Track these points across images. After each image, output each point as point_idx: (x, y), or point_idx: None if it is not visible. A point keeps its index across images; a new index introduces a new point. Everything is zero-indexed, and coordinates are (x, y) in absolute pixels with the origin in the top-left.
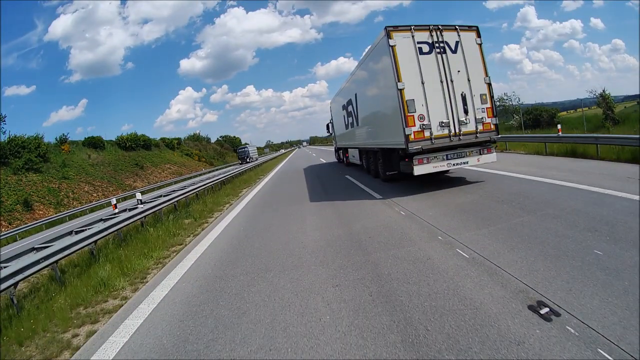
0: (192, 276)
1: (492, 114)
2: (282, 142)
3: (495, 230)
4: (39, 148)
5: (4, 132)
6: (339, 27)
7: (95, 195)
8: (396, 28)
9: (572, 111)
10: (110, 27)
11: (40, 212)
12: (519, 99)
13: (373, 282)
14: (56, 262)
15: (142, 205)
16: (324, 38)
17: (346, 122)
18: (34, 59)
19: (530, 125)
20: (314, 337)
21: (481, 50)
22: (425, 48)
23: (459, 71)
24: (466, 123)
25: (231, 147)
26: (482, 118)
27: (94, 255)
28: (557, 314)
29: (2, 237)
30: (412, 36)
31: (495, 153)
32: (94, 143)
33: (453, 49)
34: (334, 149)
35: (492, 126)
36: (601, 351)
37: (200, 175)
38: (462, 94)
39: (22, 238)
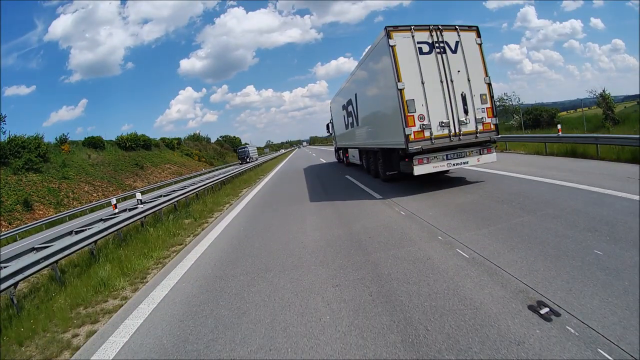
0: (192, 276)
1: (492, 114)
2: (282, 142)
3: (495, 230)
4: (39, 148)
5: (4, 132)
6: (339, 27)
7: (95, 195)
8: (396, 28)
9: (572, 111)
10: (110, 27)
11: (40, 212)
12: (519, 99)
13: (373, 282)
14: (56, 262)
15: (142, 205)
16: (324, 38)
17: (346, 122)
18: (34, 59)
19: (530, 125)
20: (314, 337)
21: (481, 50)
22: (425, 48)
23: (459, 71)
24: (466, 123)
25: (231, 147)
26: (482, 118)
27: (94, 255)
28: (557, 314)
29: (2, 237)
30: (412, 36)
31: (495, 153)
32: (94, 143)
33: (453, 49)
34: (334, 149)
35: (492, 126)
36: (601, 351)
37: (200, 175)
38: (462, 94)
39: (22, 238)
